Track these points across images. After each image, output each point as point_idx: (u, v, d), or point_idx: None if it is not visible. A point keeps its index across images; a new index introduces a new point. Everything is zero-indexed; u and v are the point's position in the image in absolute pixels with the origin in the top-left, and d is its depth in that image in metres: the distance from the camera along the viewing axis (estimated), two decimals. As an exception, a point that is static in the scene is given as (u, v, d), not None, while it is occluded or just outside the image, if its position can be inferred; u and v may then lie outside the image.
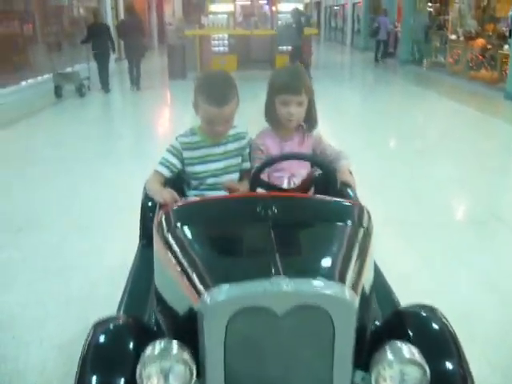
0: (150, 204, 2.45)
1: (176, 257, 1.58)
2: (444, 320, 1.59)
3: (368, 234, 1.75)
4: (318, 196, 1.98)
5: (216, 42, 14.75)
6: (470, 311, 2.82)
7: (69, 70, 11.38)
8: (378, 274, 2.14)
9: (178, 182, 2.32)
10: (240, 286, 1.35)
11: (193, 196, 2.35)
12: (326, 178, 2.11)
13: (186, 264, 1.52)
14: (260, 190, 2.10)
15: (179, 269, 1.52)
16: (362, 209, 1.86)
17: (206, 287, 1.38)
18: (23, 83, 11.46)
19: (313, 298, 1.35)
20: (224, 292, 1.34)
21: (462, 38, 13.62)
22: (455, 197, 4.92)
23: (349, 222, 1.77)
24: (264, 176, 2.25)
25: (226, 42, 14.96)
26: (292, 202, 1.85)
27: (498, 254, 3.54)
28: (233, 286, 1.35)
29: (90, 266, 3.36)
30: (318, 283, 1.37)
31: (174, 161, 2.27)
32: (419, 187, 5.01)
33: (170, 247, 1.63)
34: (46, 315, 2.80)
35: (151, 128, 8.44)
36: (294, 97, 2.18)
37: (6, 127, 7.97)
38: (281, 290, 1.32)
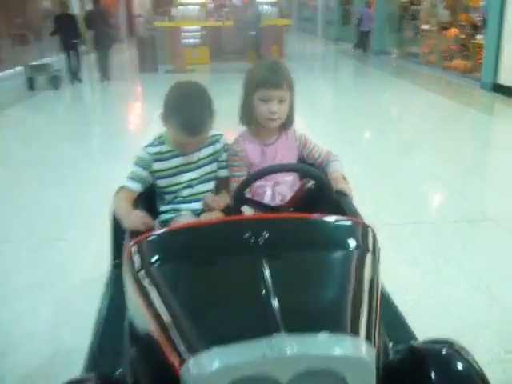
0: None
1: (150, 304, 1.31)
2: (471, 359, 1.36)
3: (376, 259, 1.55)
4: (316, 216, 1.68)
5: (187, 33, 14.40)
6: (469, 320, 2.67)
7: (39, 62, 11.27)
8: (385, 298, 1.92)
9: (150, 196, 2.09)
10: (233, 351, 1.09)
11: (167, 210, 2.12)
12: (320, 189, 1.86)
13: (163, 316, 1.26)
14: (246, 209, 1.87)
15: (155, 321, 1.26)
16: (365, 228, 1.63)
17: (191, 351, 1.12)
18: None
19: (322, 361, 1.11)
20: (213, 359, 1.08)
21: (434, 28, 13.58)
22: (432, 190, 4.80)
23: (354, 247, 1.52)
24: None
25: (197, 33, 14.65)
26: (286, 226, 1.59)
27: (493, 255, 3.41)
28: (224, 351, 1.09)
29: (62, 282, 3.07)
30: (326, 340, 1.13)
31: (144, 174, 2.06)
32: (398, 182, 4.87)
33: (143, 291, 1.36)
34: (8, 343, 2.51)
35: (128, 123, 8.21)
36: (274, 92, 1.96)
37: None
38: (283, 354, 1.08)
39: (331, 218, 1.65)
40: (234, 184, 2.05)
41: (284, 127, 2.13)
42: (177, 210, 2.11)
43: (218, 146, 2.14)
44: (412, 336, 1.73)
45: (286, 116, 2.05)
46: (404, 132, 7.17)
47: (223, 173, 2.17)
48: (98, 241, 3.35)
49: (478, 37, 11.13)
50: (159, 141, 2.07)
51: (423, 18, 14.42)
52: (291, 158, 2.17)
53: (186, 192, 2.10)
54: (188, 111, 1.90)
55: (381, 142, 6.55)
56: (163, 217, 2.11)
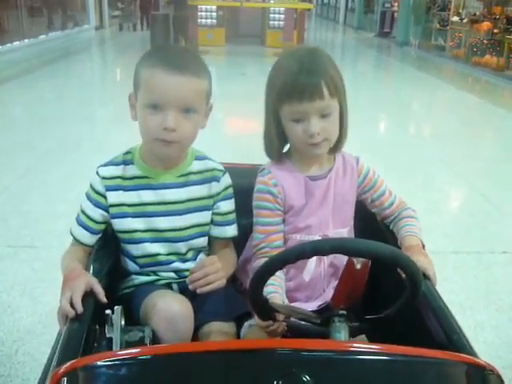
0: None
1: None
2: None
3: None
4: (401, 351, 0.91)
5: (203, 13, 13.75)
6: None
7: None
8: None
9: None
10: None
11: (128, 275, 1.41)
12: (410, 283, 1.06)
13: None
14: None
15: None
16: (488, 376, 0.91)
17: None
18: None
19: None
20: None
21: (465, 21, 12.82)
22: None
23: None
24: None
25: (214, 14, 14.00)
26: (345, 368, 0.88)
27: None
28: None
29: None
30: None
31: (96, 214, 1.34)
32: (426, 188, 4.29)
33: None
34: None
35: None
36: (310, 104, 1.25)
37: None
38: None
39: (435, 355, 0.91)
40: (260, 236, 1.39)
41: (334, 150, 1.40)
42: (139, 275, 1.39)
43: (217, 186, 1.41)
44: None
45: (334, 135, 1.34)
46: (433, 135, 6.55)
47: (224, 231, 1.44)
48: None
49: (514, 32, 10.44)
50: (124, 159, 1.36)
51: (453, 10, 13.65)
52: (351, 201, 1.47)
53: (155, 249, 1.37)
54: (172, 51, 1.42)
55: (406, 148, 5.93)
56: (125, 286, 1.41)
